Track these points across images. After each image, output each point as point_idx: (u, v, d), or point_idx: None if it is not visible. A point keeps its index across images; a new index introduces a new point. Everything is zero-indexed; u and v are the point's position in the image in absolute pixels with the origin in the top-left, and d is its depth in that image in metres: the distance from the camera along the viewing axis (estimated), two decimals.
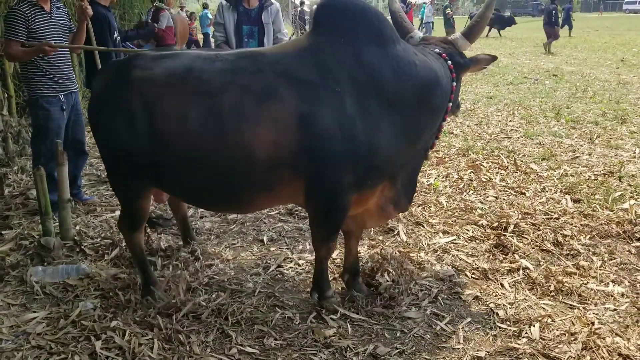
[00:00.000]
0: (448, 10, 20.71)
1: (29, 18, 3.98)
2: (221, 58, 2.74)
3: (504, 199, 4.75)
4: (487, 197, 4.83)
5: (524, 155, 6.05)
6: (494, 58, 3.18)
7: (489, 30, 26.50)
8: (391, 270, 3.29)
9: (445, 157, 6.05)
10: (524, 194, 4.88)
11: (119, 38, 5.34)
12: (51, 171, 3.88)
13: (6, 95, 6.18)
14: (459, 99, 3.37)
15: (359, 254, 3.40)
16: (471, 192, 4.96)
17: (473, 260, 3.63)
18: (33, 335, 2.79)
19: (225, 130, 2.60)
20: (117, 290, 3.13)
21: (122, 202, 3.07)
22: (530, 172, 5.44)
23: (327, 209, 2.83)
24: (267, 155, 2.60)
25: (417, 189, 4.90)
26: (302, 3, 22.79)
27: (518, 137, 6.91)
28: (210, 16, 16.97)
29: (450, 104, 2.99)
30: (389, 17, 3.13)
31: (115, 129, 2.76)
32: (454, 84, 2.98)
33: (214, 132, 2.61)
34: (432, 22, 22.90)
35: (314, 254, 3.10)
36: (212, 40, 4.69)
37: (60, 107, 4.17)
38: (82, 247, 3.72)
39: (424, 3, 24.61)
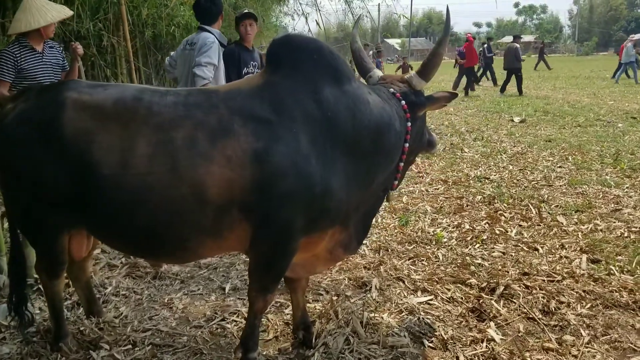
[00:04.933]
0: None
1: (18, 58, 4.08)
2: (173, 92, 2.62)
3: (511, 255, 4.24)
4: (493, 252, 4.33)
5: (557, 206, 5.44)
6: (453, 95, 2.97)
7: None
8: (334, 332, 2.98)
9: (467, 205, 5.58)
10: (537, 250, 4.34)
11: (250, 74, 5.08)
12: None
13: None
14: (433, 134, 3.21)
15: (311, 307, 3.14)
16: (477, 245, 4.48)
17: (439, 326, 3.20)
18: None
19: (176, 167, 2.40)
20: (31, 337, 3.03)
21: (40, 243, 2.82)
22: (554, 225, 4.87)
23: (273, 253, 2.59)
24: (218, 194, 2.41)
25: (416, 239, 4.57)
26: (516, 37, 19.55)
27: (560, 185, 6.27)
28: None
29: (407, 145, 2.80)
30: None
31: (36, 157, 2.50)
32: (408, 124, 2.78)
33: (163, 168, 2.40)
34: (636, 61, 21.28)
35: (249, 307, 2.83)
36: (200, 80, 4.53)
37: None
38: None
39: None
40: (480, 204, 5.62)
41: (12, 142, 2.56)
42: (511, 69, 17.59)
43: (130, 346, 3.00)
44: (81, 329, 3.11)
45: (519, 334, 3.12)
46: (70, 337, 2.98)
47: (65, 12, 4.35)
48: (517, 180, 6.59)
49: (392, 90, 2.86)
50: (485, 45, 21.75)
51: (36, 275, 3.31)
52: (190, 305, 3.56)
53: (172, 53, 5.51)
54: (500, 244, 4.51)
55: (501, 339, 3.04)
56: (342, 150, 2.55)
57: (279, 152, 2.42)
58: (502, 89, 17.71)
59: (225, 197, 2.42)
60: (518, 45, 18.10)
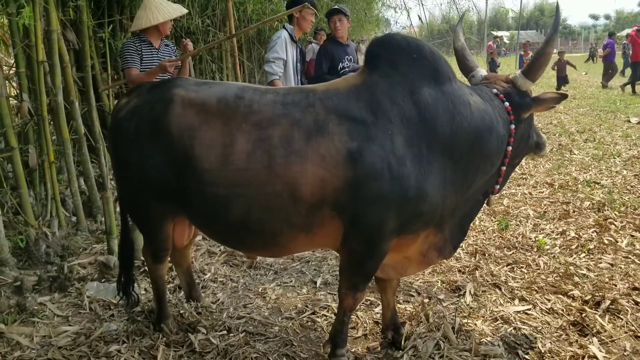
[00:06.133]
0: None
1: (139, 50, 4.36)
2: (272, 91, 2.70)
3: (620, 268, 3.96)
4: (600, 263, 4.07)
5: None
6: (563, 96, 2.78)
7: None
8: (424, 335, 2.93)
9: (574, 212, 5.27)
10: None
11: (347, 68, 5.14)
12: None
13: None
14: (543, 135, 3.09)
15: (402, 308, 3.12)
16: (582, 255, 4.22)
17: (537, 338, 3.06)
18: (54, 347, 2.98)
19: (272, 164, 2.47)
20: (136, 316, 3.23)
21: (146, 229, 3.01)
22: None
23: (364, 253, 2.60)
24: (311, 192, 2.47)
25: (515, 245, 4.39)
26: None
27: None
28: None
29: (510, 148, 2.70)
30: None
31: (145, 149, 2.66)
32: (512, 126, 2.68)
33: (259, 164, 2.49)
34: None
35: (338, 303, 2.86)
36: (269, 75, 4.71)
37: None
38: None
39: None
40: (589, 211, 5.28)
41: (125, 134, 2.76)
42: None
43: (225, 332, 3.12)
44: (181, 311, 3.28)
45: (625, 353, 2.92)
46: (171, 319, 3.16)
47: (181, 10, 4.58)
48: (632, 186, 6.13)
49: (495, 90, 2.77)
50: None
51: (142, 258, 3.52)
52: (282, 296, 3.64)
53: None
54: (609, 254, 4.22)
55: (604, 357, 2.85)
56: (440, 152, 2.50)
57: (373, 153, 2.40)
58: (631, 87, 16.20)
59: (317, 194, 2.45)
60: None
